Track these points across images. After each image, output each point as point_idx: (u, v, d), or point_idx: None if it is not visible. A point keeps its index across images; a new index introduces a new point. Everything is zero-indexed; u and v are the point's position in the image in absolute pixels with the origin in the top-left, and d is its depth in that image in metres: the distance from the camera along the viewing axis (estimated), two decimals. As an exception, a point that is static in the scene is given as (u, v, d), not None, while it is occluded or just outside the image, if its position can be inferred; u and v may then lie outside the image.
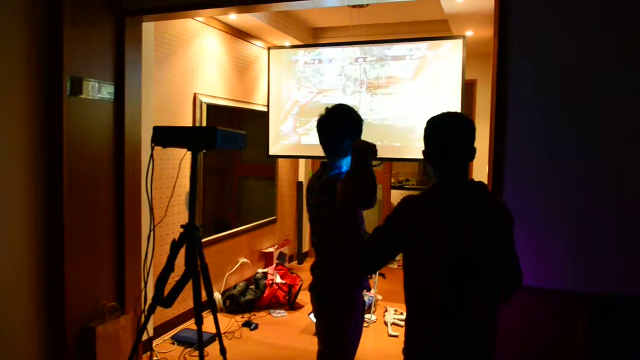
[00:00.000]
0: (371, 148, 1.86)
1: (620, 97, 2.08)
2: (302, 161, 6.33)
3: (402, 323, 4.27)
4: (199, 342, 2.13)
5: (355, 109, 2.23)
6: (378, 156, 1.89)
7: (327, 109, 2.22)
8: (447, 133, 1.67)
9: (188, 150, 2.14)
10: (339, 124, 2.18)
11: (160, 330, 3.87)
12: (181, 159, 2.73)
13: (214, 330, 3.92)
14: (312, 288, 2.28)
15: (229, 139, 2.13)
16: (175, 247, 2.23)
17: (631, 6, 2.05)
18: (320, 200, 2.15)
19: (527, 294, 2.05)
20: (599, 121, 2.11)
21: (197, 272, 2.17)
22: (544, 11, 2.17)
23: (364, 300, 2.34)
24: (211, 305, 2.31)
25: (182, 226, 2.19)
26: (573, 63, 2.13)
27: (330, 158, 2.22)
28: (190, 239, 2.16)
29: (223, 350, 2.48)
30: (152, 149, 2.24)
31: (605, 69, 2.09)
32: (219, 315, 4.32)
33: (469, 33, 4.65)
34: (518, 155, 2.22)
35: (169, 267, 2.26)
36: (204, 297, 2.33)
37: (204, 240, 4.36)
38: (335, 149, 2.19)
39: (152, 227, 2.29)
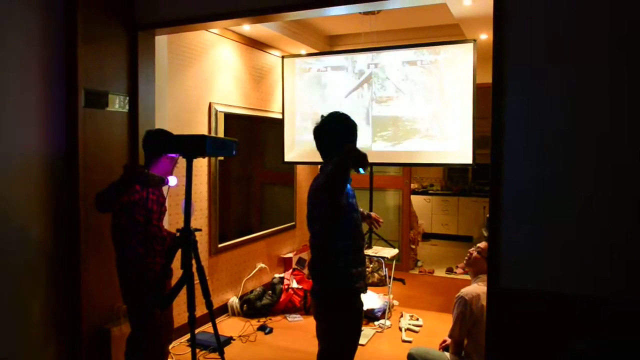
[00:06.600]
0: (358, 156, 1.99)
1: (616, 95, 2.02)
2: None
3: (417, 329, 4.26)
4: (192, 341, 2.21)
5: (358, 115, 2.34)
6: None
7: (322, 116, 2.36)
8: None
9: (182, 157, 2.24)
10: (331, 131, 2.32)
11: (177, 333, 3.98)
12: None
13: (229, 334, 4.05)
14: (311, 291, 2.41)
15: (219, 146, 2.22)
16: (170, 251, 2.33)
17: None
18: (314, 200, 2.32)
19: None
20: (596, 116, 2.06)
21: (192, 275, 2.25)
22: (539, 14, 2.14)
23: (361, 300, 2.39)
24: (209, 308, 2.38)
25: (177, 230, 2.28)
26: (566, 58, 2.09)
27: (327, 162, 2.35)
28: (185, 243, 2.24)
29: (222, 353, 2.56)
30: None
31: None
32: (236, 319, 4.47)
33: (483, 36, 4.60)
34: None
35: (165, 271, 2.38)
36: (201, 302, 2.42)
37: (223, 244, 4.51)
38: (329, 154, 2.33)
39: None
